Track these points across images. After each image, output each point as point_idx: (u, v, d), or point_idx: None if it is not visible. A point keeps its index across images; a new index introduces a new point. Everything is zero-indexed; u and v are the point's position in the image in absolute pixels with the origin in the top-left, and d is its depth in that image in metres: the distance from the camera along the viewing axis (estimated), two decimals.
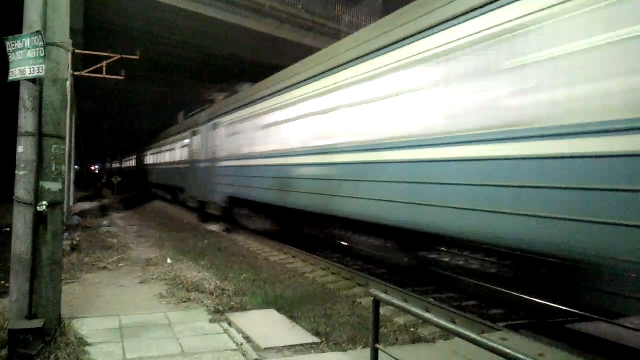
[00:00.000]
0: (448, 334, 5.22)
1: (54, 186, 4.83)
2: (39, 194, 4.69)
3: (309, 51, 13.76)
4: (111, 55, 15.52)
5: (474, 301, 7.51)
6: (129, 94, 34.06)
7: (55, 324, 4.84)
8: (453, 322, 5.88)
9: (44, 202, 4.69)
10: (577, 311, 6.51)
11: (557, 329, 6.13)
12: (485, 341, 2.47)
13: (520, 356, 2.24)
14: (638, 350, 5.47)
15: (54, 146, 4.81)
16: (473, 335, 2.57)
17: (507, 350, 2.30)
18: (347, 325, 5.86)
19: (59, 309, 4.98)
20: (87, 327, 5.36)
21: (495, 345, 2.38)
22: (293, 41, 21.38)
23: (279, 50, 21.87)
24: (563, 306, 6.73)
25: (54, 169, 4.81)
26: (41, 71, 4.60)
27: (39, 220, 4.69)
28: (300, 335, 5.46)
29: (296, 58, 11.81)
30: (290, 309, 6.43)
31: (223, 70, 26.09)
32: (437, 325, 2.90)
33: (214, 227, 16.12)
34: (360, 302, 7.09)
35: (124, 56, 15.35)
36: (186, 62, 25.73)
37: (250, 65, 23.94)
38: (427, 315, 3.03)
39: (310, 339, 5.36)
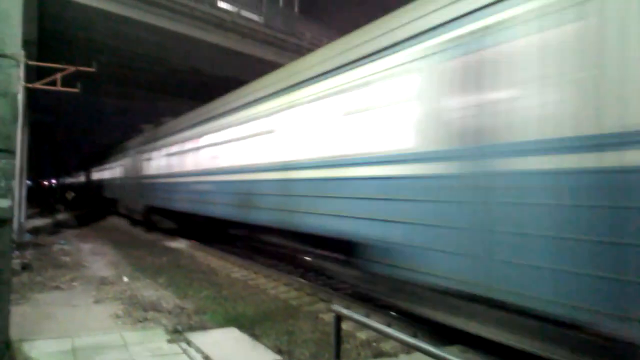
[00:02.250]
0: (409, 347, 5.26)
1: (3, 202, 4.62)
2: None
3: (271, 66, 13.80)
4: (66, 67, 15.03)
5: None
6: (88, 108, 33.20)
7: (3, 347, 4.61)
8: (415, 335, 5.92)
9: None
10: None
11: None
12: (443, 354, 2.49)
13: None
14: None
15: (3, 161, 4.62)
16: (432, 349, 2.59)
17: None
18: (309, 341, 5.82)
19: (7, 331, 4.74)
20: (37, 349, 5.12)
21: (454, 359, 2.41)
22: (255, 55, 21.41)
23: (240, 65, 21.84)
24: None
25: (2, 184, 4.61)
26: None
27: None
28: (261, 354, 5.37)
29: (258, 72, 11.82)
30: (251, 327, 6.33)
31: (184, 84, 25.80)
32: (397, 340, 2.91)
33: (173, 244, 15.76)
34: (323, 318, 7.05)
35: (79, 68, 14.91)
36: (146, 75, 25.30)
37: (211, 79, 23.77)
38: (388, 330, 3.05)
39: (271, 356, 5.28)
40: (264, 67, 13.25)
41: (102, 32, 19.07)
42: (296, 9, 24.37)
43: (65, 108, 32.14)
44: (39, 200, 43.28)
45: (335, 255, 7.58)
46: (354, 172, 6.48)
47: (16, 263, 9.32)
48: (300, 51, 20.31)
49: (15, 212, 6.17)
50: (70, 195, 32.23)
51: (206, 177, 12.13)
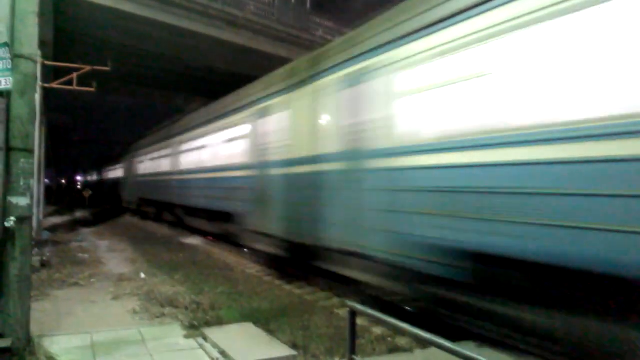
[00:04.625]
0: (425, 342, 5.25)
1: (22, 201, 4.71)
2: (6, 209, 4.57)
3: (282, 62, 13.82)
4: (82, 66, 15.22)
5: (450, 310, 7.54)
6: (104, 106, 33.58)
7: (24, 342, 4.71)
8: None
9: (12, 218, 4.58)
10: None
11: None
12: (459, 350, 2.49)
13: None
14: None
15: (22, 160, 4.71)
16: (448, 344, 2.59)
17: (482, 359, 2.33)
18: (324, 336, 5.84)
19: (27, 327, 4.84)
20: (57, 345, 5.21)
21: (469, 354, 2.40)
22: (267, 52, 21.42)
23: (253, 61, 21.88)
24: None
25: (21, 183, 4.70)
26: (8, 83, 4.51)
27: (7, 236, 4.56)
28: (277, 349, 5.41)
29: (271, 69, 11.82)
30: (267, 322, 6.37)
31: (197, 82, 25.93)
32: (412, 335, 2.91)
33: (189, 241, 15.91)
34: (338, 313, 7.07)
35: (95, 67, 15.09)
36: (160, 74, 25.48)
37: (224, 77, 23.85)
38: (402, 325, 3.04)
39: (287, 351, 5.31)
40: (276, 64, 13.24)
41: (117, 31, 19.25)
42: (308, 5, 24.31)
43: (81, 109, 32.54)
44: (57, 198, 43.95)
45: None
46: None
47: (35, 260, 9.47)
48: (311, 47, 20.27)
49: (34, 210, 6.28)
50: (87, 193, 32.60)
51: None
